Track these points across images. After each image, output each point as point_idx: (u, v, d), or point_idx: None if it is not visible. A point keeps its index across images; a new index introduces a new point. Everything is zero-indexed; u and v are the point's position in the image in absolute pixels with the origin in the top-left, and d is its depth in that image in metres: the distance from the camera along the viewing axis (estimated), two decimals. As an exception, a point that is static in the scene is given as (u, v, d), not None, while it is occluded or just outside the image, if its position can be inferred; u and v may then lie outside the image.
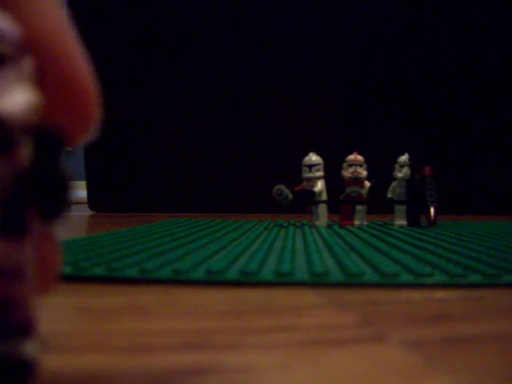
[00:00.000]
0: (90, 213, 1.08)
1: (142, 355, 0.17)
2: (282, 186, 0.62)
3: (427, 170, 0.63)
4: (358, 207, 0.64)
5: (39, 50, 0.13)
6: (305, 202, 0.62)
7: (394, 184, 0.64)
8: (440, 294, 0.28)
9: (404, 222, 0.64)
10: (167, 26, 1.10)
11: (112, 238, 0.45)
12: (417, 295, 0.27)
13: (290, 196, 0.62)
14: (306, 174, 0.61)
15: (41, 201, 0.12)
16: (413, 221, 0.64)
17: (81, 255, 0.34)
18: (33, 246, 0.12)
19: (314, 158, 0.61)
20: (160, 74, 1.10)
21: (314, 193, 0.61)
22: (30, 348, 0.12)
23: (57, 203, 0.12)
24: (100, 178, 1.12)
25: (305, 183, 0.62)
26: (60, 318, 0.22)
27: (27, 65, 0.12)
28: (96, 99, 0.14)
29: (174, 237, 0.47)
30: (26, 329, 0.12)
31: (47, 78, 0.13)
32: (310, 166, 0.61)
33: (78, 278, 0.29)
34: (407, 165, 0.63)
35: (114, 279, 0.29)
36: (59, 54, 0.13)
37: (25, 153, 0.11)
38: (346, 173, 0.63)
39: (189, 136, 1.11)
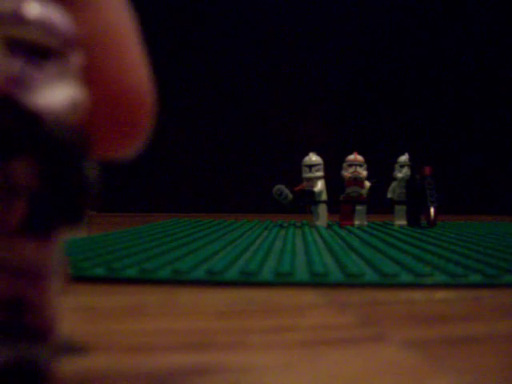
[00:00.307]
0: (90, 213, 1.08)
1: (142, 355, 0.17)
2: (281, 186, 0.62)
3: (427, 169, 0.63)
4: (358, 207, 0.64)
5: (92, 46, 0.12)
6: (305, 202, 0.62)
7: (394, 184, 0.64)
8: (440, 294, 0.28)
9: (404, 222, 0.64)
10: (166, 26, 1.10)
11: (112, 238, 0.45)
12: (417, 295, 0.27)
13: (290, 196, 0.62)
14: (306, 174, 0.61)
15: (61, 204, 0.11)
16: (413, 221, 0.64)
17: (81, 255, 0.34)
18: (57, 249, 0.12)
19: (314, 158, 0.61)
20: (160, 74, 1.10)
21: (313, 193, 0.61)
22: (43, 353, 0.12)
23: (75, 208, 0.12)
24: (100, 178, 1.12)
25: (305, 183, 0.62)
26: (60, 318, 0.22)
27: (76, 60, 0.11)
28: (148, 109, 0.12)
29: (174, 237, 0.47)
30: (41, 333, 0.12)
31: (93, 76, 0.12)
32: (310, 166, 0.61)
33: (78, 278, 0.29)
34: (407, 165, 0.63)
35: (114, 279, 0.29)
36: (111, 52, 0.12)
37: (53, 153, 0.11)
38: (346, 173, 0.63)
39: (189, 136, 1.11)
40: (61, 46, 0.11)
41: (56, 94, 0.11)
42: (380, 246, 0.41)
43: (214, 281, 0.28)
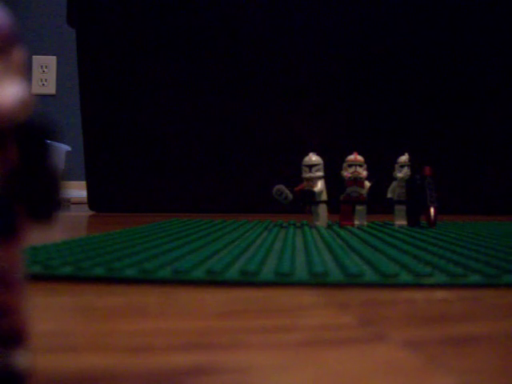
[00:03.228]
0: (90, 213, 1.08)
1: (142, 355, 0.17)
2: (281, 186, 0.62)
3: (427, 170, 0.63)
4: (358, 207, 0.63)
5: None
6: (305, 202, 0.62)
7: (394, 184, 0.64)
8: (440, 294, 0.28)
9: (404, 222, 0.64)
10: (164, 28, 1.10)
11: (112, 238, 0.45)
12: (417, 295, 0.27)
13: (290, 196, 0.62)
14: (306, 174, 0.61)
15: (30, 200, 0.11)
16: (413, 221, 0.64)
17: (81, 255, 0.34)
18: (22, 249, 0.12)
19: (314, 158, 0.61)
20: (159, 75, 1.10)
21: (314, 193, 0.61)
22: (21, 359, 0.12)
23: (46, 202, 0.11)
24: (100, 178, 1.12)
25: (305, 183, 0.61)
26: (60, 318, 0.22)
27: (17, 56, 0.11)
28: None
29: (174, 237, 0.47)
30: (16, 338, 0.12)
31: None
32: (310, 166, 0.61)
33: (78, 278, 0.29)
34: (407, 165, 0.63)
35: (113, 279, 0.29)
36: None
37: (14, 150, 0.11)
38: (346, 173, 0.63)
39: (189, 136, 1.11)
40: (2, 44, 0.11)
41: (5, 92, 0.11)
42: (380, 246, 0.41)
43: (213, 281, 0.28)
